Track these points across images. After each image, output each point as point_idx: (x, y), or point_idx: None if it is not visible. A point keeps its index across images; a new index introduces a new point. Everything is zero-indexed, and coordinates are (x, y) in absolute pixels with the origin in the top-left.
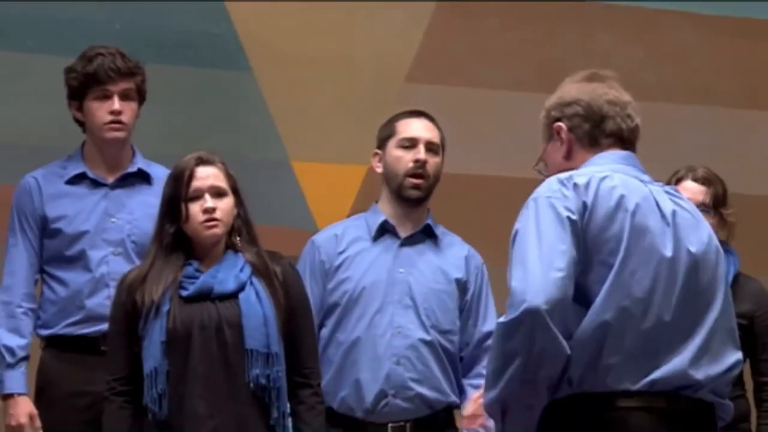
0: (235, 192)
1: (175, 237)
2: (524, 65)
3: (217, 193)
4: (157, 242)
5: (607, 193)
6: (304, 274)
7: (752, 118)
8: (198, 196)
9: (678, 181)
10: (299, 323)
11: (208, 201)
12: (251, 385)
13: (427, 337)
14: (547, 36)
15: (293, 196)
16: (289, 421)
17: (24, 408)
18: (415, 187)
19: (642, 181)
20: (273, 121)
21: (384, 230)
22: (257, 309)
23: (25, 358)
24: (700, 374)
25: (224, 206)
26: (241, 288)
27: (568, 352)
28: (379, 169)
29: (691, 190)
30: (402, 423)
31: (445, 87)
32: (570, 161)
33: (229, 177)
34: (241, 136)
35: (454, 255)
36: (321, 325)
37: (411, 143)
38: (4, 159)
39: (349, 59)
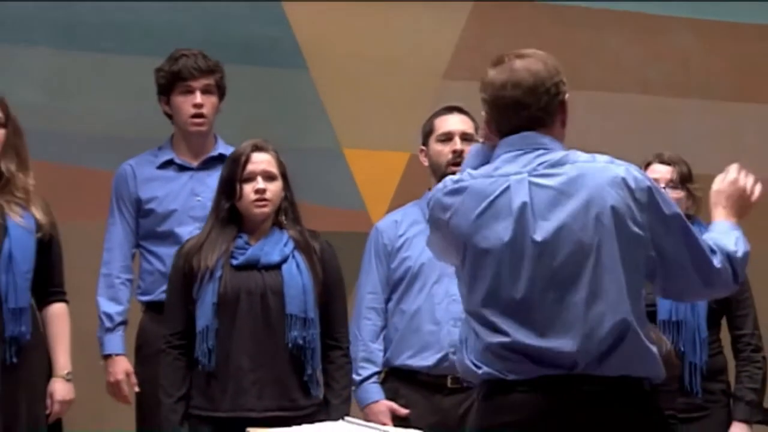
0: (284, 177)
1: (229, 212)
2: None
3: (268, 177)
4: (214, 216)
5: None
6: (370, 256)
7: (742, 109)
8: (251, 178)
9: (647, 165)
10: (333, 294)
11: (260, 183)
12: (289, 345)
13: None
14: (567, 37)
15: (344, 179)
16: (320, 378)
17: (121, 366)
18: (455, 173)
19: (505, 174)
20: (326, 113)
21: None
22: (297, 279)
23: (123, 323)
24: (579, 349)
25: (274, 188)
26: (284, 260)
27: None
28: (426, 163)
29: (659, 170)
30: (459, 376)
31: (479, 83)
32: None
33: (280, 163)
34: (299, 127)
35: None
36: (388, 300)
37: (448, 137)
38: (104, 149)
39: (392, 58)
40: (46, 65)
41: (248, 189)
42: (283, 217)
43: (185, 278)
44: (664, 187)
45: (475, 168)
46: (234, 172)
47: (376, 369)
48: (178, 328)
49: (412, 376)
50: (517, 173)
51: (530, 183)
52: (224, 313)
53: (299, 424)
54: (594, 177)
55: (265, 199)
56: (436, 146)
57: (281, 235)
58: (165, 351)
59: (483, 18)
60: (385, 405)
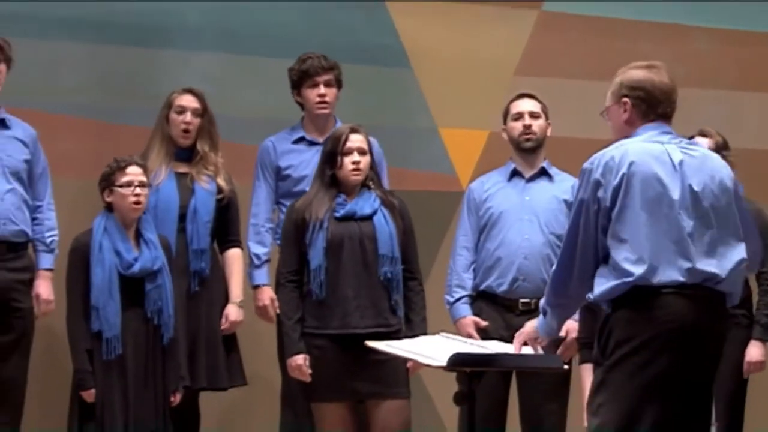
0: (371, 152)
1: (330, 178)
2: (598, 62)
3: (362, 152)
4: (319, 181)
5: (625, 164)
6: (464, 208)
7: (745, 96)
8: (349, 152)
9: (691, 138)
10: (408, 238)
11: (356, 156)
12: (381, 278)
13: (544, 240)
14: (607, 42)
15: (440, 151)
16: (402, 301)
17: (267, 294)
18: (527, 140)
19: (661, 142)
20: (425, 101)
21: (514, 173)
22: (386, 227)
23: (267, 261)
24: (719, 270)
25: (365, 161)
26: (374, 213)
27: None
28: (506, 137)
29: (702, 142)
30: (528, 300)
31: (543, 78)
32: (628, 125)
33: (368, 143)
34: (405, 111)
35: (564, 185)
36: (477, 240)
37: (519, 116)
38: (253, 129)
39: (475, 57)
40: (212, 66)
41: (347, 161)
42: (371, 182)
43: (297, 229)
44: None
45: None
46: (335, 147)
47: (465, 293)
48: (293, 267)
49: (493, 298)
50: (668, 142)
51: (681, 150)
52: (331, 255)
53: (390, 338)
54: (719, 162)
55: (359, 169)
56: (511, 123)
57: (370, 194)
58: (283, 285)
59: (544, 27)
60: (470, 319)
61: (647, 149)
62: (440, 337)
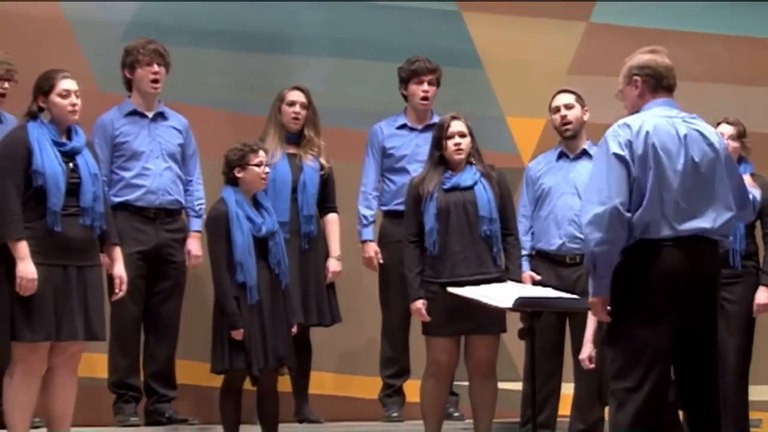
0: (471, 134)
1: (439, 158)
2: None
3: (462, 135)
4: (430, 161)
5: (643, 133)
6: (523, 184)
7: (754, 90)
8: (452, 136)
9: (717, 125)
10: (506, 203)
11: (457, 139)
12: (482, 235)
13: None
14: (644, 46)
15: (506, 135)
16: (502, 253)
17: (372, 248)
18: (566, 130)
19: (670, 116)
20: (495, 95)
21: (561, 154)
22: (484, 194)
23: (373, 222)
24: (711, 224)
25: (465, 142)
26: (475, 183)
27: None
28: (551, 126)
29: (726, 129)
30: (573, 256)
31: (590, 76)
32: (640, 99)
33: (468, 126)
34: (477, 104)
35: None
36: (533, 209)
37: (557, 109)
38: (357, 118)
39: (535, 59)
40: (325, 68)
41: (450, 143)
42: (472, 158)
43: (415, 200)
44: (727, 139)
45: None
46: (441, 133)
47: (525, 252)
48: (414, 230)
49: (545, 255)
50: (675, 117)
51: (685, 122)
52: (441, 218)
53: (490, 283)
54: (714, 134)
55: (460, 149)
56: (552, 116)
57: (471, 168)
58: (406, 245)
59: (591, 35)
60: (528, 274)
61: (659, 124)
62: (509, 284)
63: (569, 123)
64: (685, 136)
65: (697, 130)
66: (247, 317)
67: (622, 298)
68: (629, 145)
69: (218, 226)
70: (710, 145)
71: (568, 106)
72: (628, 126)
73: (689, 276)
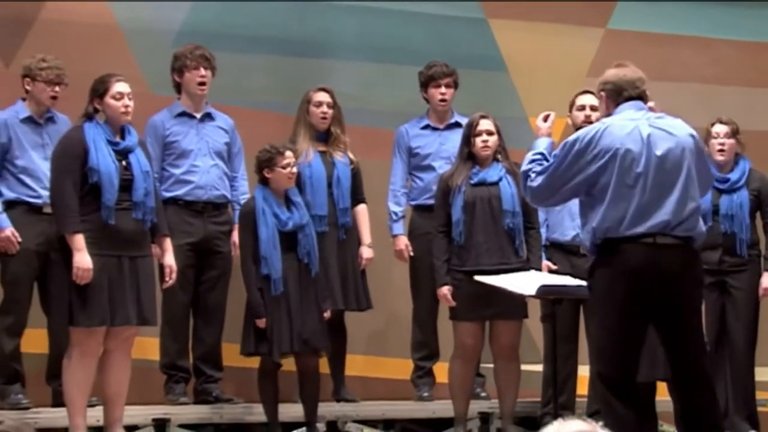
0: (498, 133)
1: (468, 154)
2: (649, 66)
3: (489, 133)
4: (459, 157)
5: (606, 134)
6: None
7: (759, 91)
8: (479, 134)
9: (713, 124)
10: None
11: (485, 137)
12: (506, 227)
13: None
14: (656, 52)
15: (528, 134)
16: (524, 245)
17: (403, 241)
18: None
19: (633, 119)
20: (518, 97)
21: None
22: (509, 190)
23: (403, 217)
24: (671, 216)
25: (492, 140)
26: (500, 179)
27: None
28: (570, 122)
29: (721, 127)
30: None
31: None
32: (608, 110)
33: (496, 125)
34: (502, 105)
35: None
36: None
37: (582, 107)
38: (388, 118)
39: (556, 63)
40: (359, 71)
41: (478, 140)
42: (499, 155)
43: (444, 194)
44: (723, 137)
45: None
46: (470, 131)
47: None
48: (442, 221)
49: (559, 246)
50: (639, 119)
51: (649, 122)
52: (468, 211)
53: (511, 272)
54: (682, 128)
55: (487, 146)
56: (575, 113)
57: (498, 165)
58: (435, 235)
59: (609, 40)
60: (545, 263)
61: (622, 127)
62: (533, 273)
63: (591, 122)
64: (649, 135)
65: (662, 129)
66: (271, 306)
67: (594, 292)
68: (589, 143)
69: (246, 222)
70: (676, 140)
71: (594, 108)
72: (590, 129)
73: (650, 272)
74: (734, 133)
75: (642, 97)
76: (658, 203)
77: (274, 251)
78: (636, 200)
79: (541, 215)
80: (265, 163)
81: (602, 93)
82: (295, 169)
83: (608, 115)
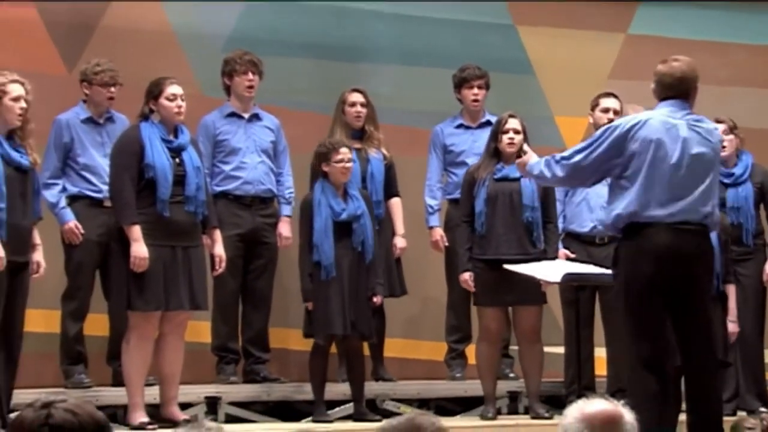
0: (524, 133)
1: (494, 150)
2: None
3: (516, 132)
4: (486, 152)
5: (647, 126)
6: None
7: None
8: (506, 132)
9: (717, 122)
10: (547, 194)
11: (512, 134)
12: (525, 221)
13: None
14: (676, 54)
15: (554, 132)
16: (541, 237)
17: (438, 233)
18: None
19: (674, 118)
20: (545, 98)
21: None
22: (529, 186)
23: (438, 210)
24: (697, 212)
25: (518, 138)
26: (522, 176)
27: None
28: (591, 121)
29: (719, 127)
30: (603, 236)
31: (629, 81)
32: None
33: (522, 125)
34: (530, 105)
35: None
36: (566, 196)
37: (607, 110)
38: (422, 118)
39: (580, 66)
40: (395, 74)
41: (505, 138)
42: (522, 153)
43: (470, 185)
44: (722, 134)
45: None
46: (498, 129)
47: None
48: (467, 212)
49: (577, 236)
50: (680, 118)
51: (689, 127)
52: (490, 204)
53: (528, 262)
54: (716, 136)
55: (513, 143)
56: (598, 114)
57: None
58: (459, 224)
59: (629, 45)
60: (563, 252)
61: (662, 122)
62: (558, 261)
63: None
64: (686, 136)
65: (700, 133)
66: (323, 291)
67: (620, 275)
68: (629, 130)
69: (304, 212)
70: (711, 146)
71: (617, 112)
72: (631, 118)
73: (671, 253)
74: (732, 129)
75: (687, 96)
76: (684, 194)
77: (326, 239)
78: (665, 188)
79: (559, 207)
80: (321, 158)
81: (652, 85)
82: (349, 164)
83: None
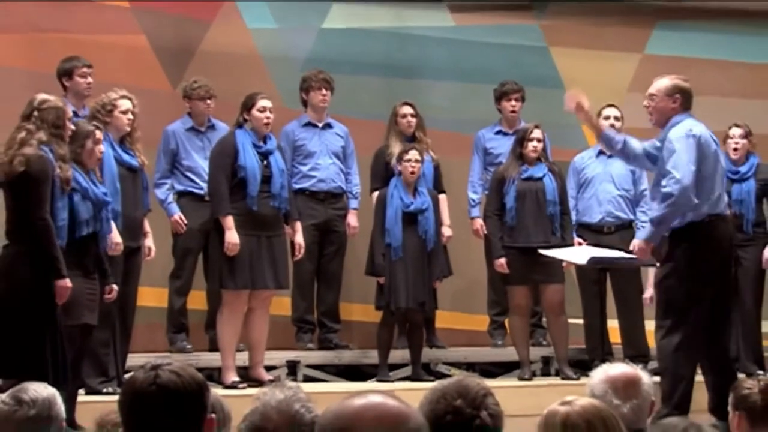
0: (544, 141)
1: (519, 154)
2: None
3: (539, 140)
4: (512, 154)
5: (706, 134)
6: (570, 173)
7: (766, 104)
8: (532, 139)
9: (730, 128)
10: (563, 191)
11: (535, 143)
12: (548, 214)
13: (618, 193)
14: (688, 70)
15: (581, 138)
16: (559, 227)
17: (478, 222)
18: None
19: (702, 125)
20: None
21: (600, 152)
22: (551, 184)
23: (480, 203)
24: (723, 205)
25: (540, 146)
26: (544, 176)
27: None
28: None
29: (736, 131)
30: (610, 226)
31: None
32: (673, 112)
33: (544, 135)
34: (559, 116)
35: None
36: (578, 191)
37: (608, 117)
38: (469, 125)
39: (602, 81)
40: (448, 89)
41: (530, 144)
42: (541, 158)
43: (499, 183)
44: (738, 138)
45: None
46: (523, 135)
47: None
48: (497, 206)
49: (588, 226)
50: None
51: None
52: (518, 200)
53: (551, 248)
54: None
55: (536, 150)
56: (602, 120)
57: (541, 164)
58: (490, 217)
59: (646, 62)
60: (577, 240)
61: (706, 130)
62: (585, 246)
63: (614, 128)
64: (716, 140)
65: (714, 138)
66: (393, 269)
67: (681, 264)
68: (707, 141)
69: (378, 203)
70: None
71: (617, 118)
72: (696, 130)
73: (728, 241)
74: (747, 135)
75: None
76: (721, 190)
77: (396, 226)
78: (716, 187)
79: (572, 202)
80: (397, 157)
81: (677, 95)
82: (418, 165)
83: (662, 119)
